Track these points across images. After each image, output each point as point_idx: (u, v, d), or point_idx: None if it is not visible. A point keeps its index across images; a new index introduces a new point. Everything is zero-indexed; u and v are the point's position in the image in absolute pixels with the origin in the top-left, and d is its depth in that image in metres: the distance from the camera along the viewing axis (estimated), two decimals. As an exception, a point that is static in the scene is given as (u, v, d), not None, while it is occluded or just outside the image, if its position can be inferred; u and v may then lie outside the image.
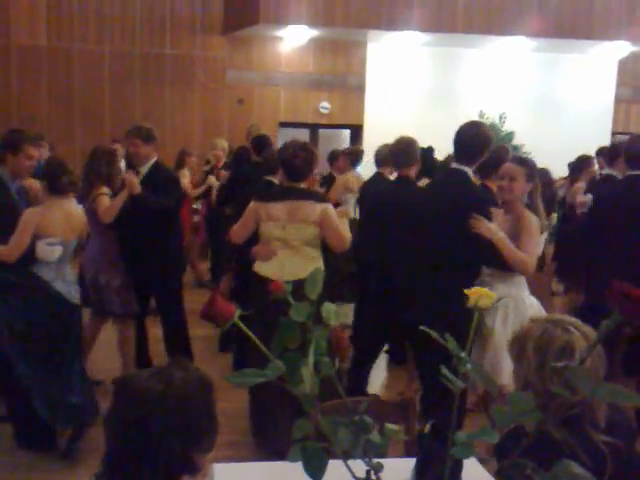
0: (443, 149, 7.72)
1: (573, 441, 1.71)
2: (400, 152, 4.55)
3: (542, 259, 4.82)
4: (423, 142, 8.17)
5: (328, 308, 1.69)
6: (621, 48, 11.33)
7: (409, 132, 10.85)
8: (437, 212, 3.47)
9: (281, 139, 10.64)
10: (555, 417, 1.71)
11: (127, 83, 10.89)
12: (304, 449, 1.47)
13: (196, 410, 1.51)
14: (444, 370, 1.43)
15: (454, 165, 3.61)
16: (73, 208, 3.99)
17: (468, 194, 3.47)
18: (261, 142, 5.64)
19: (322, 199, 3.77)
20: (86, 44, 10.68)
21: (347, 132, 11.81)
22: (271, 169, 4.89)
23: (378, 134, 10.83)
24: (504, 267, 3.40)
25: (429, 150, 5.77)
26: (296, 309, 1.69)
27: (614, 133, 12.05)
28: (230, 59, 11.20)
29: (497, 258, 3.36)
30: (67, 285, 3.83)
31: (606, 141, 11.49)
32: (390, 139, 10.36)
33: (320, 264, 3.67)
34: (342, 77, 11.43)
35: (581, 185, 5.91)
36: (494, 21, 10.59)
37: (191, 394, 1.50)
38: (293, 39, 10.95)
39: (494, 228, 3.36)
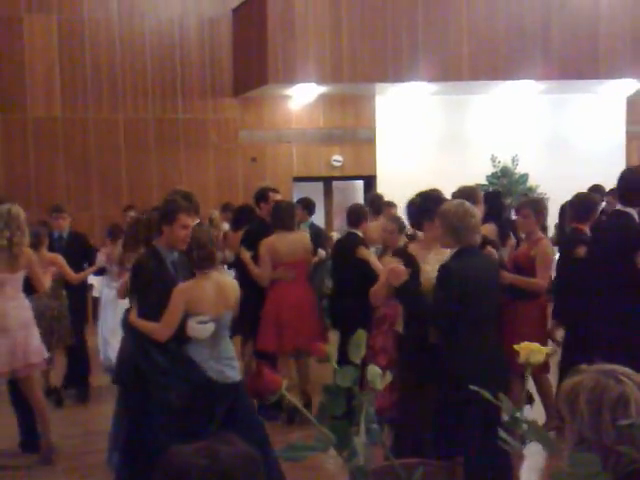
0: (457, 195, 7.78)
1: None
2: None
3: None
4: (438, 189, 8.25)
5: (373, 371, 1.64)
6: (628, 86, 11.39)
7: (422, 180, 10.94)
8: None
9: (296, 194, 10.73)
10: (615, 473, 1.63)
11: (142, 149, 11.08)
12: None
13: None
14: (502, 433, 1.38)
15: (619, 207, 3.98)
16: (224, 279, 3.91)
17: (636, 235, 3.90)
18: (258, 196, 6.04)
19: None
20: (100, 113, 10.92)
21: (361, 183, 11.89)
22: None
23: (391, 183, 10.92)
24: None
25: (497, 194, 6.04)
26: (341, 373, 1.64)
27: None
28: (242, 119, 11.38)
29: None
30: (220, 363, 3.69)
31: (621, 178, 11.47)
32: (403, 188, 10.40)
33: None
34: (352, 130, 11.57)
35: None
36: (499, 67, 10.72)
37: (237, 470, 1.42)
38: (302, 96, 11.14)
39: None
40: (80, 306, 6.58)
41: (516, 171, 11.60)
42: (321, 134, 11.51)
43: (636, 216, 4.03)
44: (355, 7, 10.51)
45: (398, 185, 10.51)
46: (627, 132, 12.04)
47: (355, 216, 5.88)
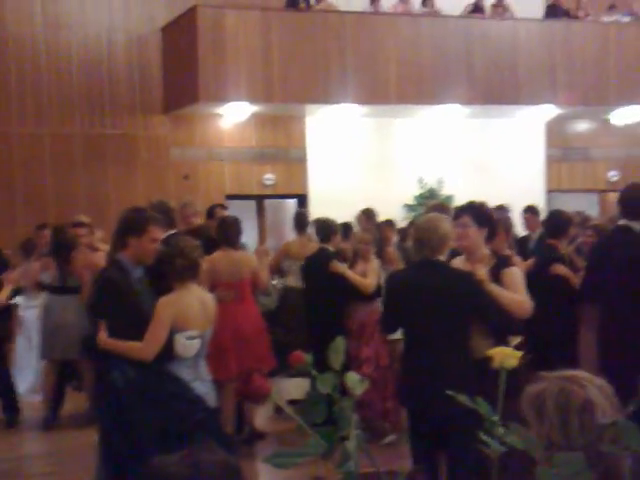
0: (383, 213, 7.96)
1: None
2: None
3: None
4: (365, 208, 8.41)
5: (352, 378, 1.66)
6: (547, 111, 11.99)
7: (351, 199, 11.13)
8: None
9: (229, 212, 10.66)
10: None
11: (69, 165, 10.79)
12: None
13: None
14: (481, 435, 1.41)
15: (622, 222, 3.96)
16: (204, 293, 3.65)
17: None
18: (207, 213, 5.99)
19: None
20: (25, 128, 10.58)
21: (293, 202, 11.96)
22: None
23: (323, 202, 11.06)
24: None
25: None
26: (321, 380, 1.65)
27: (549, 191, 12.60)
28: (173, 137, 11.27)
29: None
30: (204, 385, 3.44)
31: (541, 200, 12.00)
32: (334, 207, 10.60)
33: None
34: (284, 150, 11.65)
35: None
36: (425, 91, 11.08)
37: (219, 478, 1.43)
38: (234, 115, 11.15)
39: None
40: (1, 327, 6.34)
41: (442, 192, 11.95)
42: (253, 153, 11.53)
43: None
44: (286, 28, 10.67)
45: (329, 204, 10.66)
46: (547, 156, 12.65)
47: (325, 231, 5.85)
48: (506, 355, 1.85)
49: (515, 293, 3.65)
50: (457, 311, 3.54)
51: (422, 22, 11.31)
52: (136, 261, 3.51)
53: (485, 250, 3.81)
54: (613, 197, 13.91)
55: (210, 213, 5.95)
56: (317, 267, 5.68)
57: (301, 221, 6.95)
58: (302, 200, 11.75)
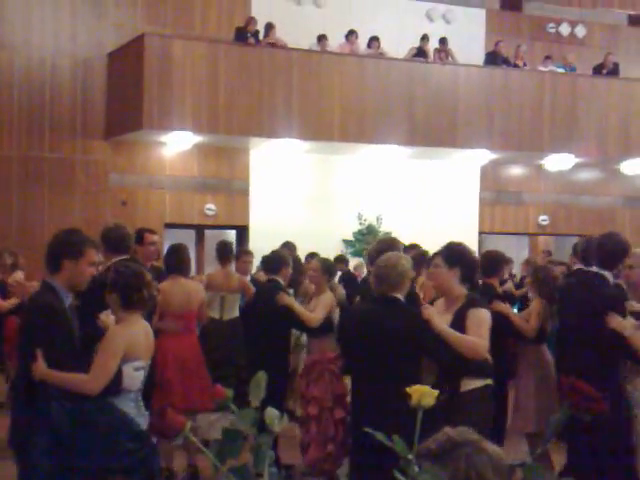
0: (323, 250, 8.08)
1: None
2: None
3: None
4: (306, 242, 8.53)
5: (271, 414, 1.71)
6: (482, 156, 12.39)
7: (291, 233, 11.22)
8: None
9: (168, 240, 10.60)
10: None
11: (3, 187, 10.57)
12: None
13: None
14: (397, 475, 1.48)
15: (594, 269, 4.18)
16: (146, 324, 3.45)
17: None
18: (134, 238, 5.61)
19: None
20: (-40, 147, 10.35)
21: (233, 232, 11.97)
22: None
23: (263, 235, 11.11)
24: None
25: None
26: (241, 416, 1.68)
27: (481, 232, 12.96)
28: (112, 162, 11.18)
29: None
30: (145, 419, 3.22)
31: (474, 240, 12.34)
32: (274, 240, 10.62)
33: None
34: (227, 181, 11.68)
35: None
36: (367, 130, 11.33)
37: None
38: (177, 144, 11.14)
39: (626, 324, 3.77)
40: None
41: (380, 229, 12.17)
42: (195, 182, 11.52)
43: (611, 278, 4.27)
44: (233, 61, 10.79)
45: (269, 236, 10.70)
46: (480, 198, 13.04)
47: (275, 263, 5.59)
48: (423, 394, 1.92)
49: (475, 334, 3.66)
50: (402, 347, 3.63)
51: (367, 63, 11.60)
52: (69, 286, 3.31)
53: (461, 290, 3.83)
54: (542, 240, 14.43)
55: (139, 238, 5.38)
56: (265, 299, 5.45)
57: (225, 251, 6.72)
58: (242, 231, 11.78)
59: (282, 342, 5.43)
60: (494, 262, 5.28)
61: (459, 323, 3.72)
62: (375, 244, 5.20)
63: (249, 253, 7.33)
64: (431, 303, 4.08)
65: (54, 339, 3.17)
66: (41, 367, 3.14)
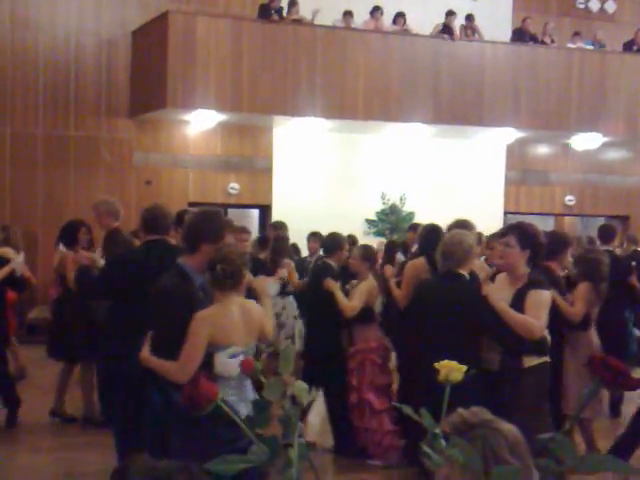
0: (345, 227, 8.04)
1: None
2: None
3: None
4: (329, 222, 8.49)
5: (300, 387, 1.70)
6: (508, 134, 12.23)
7: (315, 212, 11.18)
8: None
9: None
10: None
11: (29, 165, 10.66)
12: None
13: None
14: (425, 448, 1.46)
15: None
16: (248, 302, 3.25)
17: None
18: (175, 220, 5.42)
19: None
20: (-14, 125, 10.43)
21: (256, 212, 11.98)
22: None
23: (286, 213, 11.07)
24: None
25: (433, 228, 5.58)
26: (270, 387, 1.67)
27: (506, 213, 12.84)
28: (137, 141, 11.21)
29: None
30: (249, 409, 2.95)
31: (499, 220, 12.22)
32: (297, 218, 10.61)
33: None
34: (250, 159, 11.67)
35: None
36: (392, 109, 11.22)
37: None
38: (201, 123, 11.13)
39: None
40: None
41: (404, 209, 12.10)
42: (218, 161, 11.53)
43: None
44: (256, 40, 10.71)
45: (292, 215, 10.70)
46: (506, 178, 12.89)
47: (329, 245, 5.46)
48: (451, 369, 1.93)
49: (532, 315, 3.72)
50: (463, 321, 3.85)
51: (392, 40, 11.46)
52: (202, 268, 3.24)
53: (525, 269, 3.87)
54: (569, 221, 14.25)
55: (179, 219, 5.14)
56: (316, 281, 5.35)
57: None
58: (266, 210, 11.78)
59: (331, 323, 5.30)
60: (554, 245, 5.11)
61: (519, 302, 3.79)
62: (449, 225, 5.10)
63: (246, 231, 6.93)
64: (492, 279, 4.10)
65: (170, 325, 3.14)
66: (144, 354, 3.15)
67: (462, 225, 4.80)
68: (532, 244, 3.88)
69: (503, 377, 3.82)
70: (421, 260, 5.08)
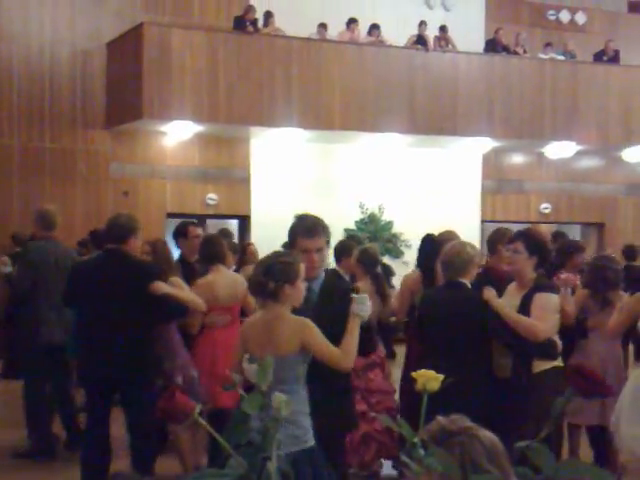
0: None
1: None
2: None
3: None
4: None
5: (279, 399, 1.68)
6: (483, 144, 12.37)
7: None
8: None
9: (169, 230, 10.60)
10: None
11: (4, 177, 10.56)
12: None
13: None
14: (403, 457, 1.46)
15: None
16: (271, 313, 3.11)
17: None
18: (177, 232, 5.47)
19: None
20: (-40, 137, 10.33)
21: (235, 222, 11.96)
22: None
23: (264, 224, 11.11)
24: None
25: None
26: (248, 400, 1.66)
27: (483, 221, 12.96)
28: (113, 152, 11.16)
29: None
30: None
31: (476, 229, 12.33)
32: (276, 229, 10.55)
33: None
34: (227, 170, 11.66)
35: None
36: (368, 119, 11.30)
37: None
38: (177, 133, 11.12)
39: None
40: None
41: (382, 218, 12.17)
42: (196, 172, 11.51)
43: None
44: (232, 51, 10.75)
45: (271, 225, 10.71)
46: (482, 187, 13.02)
47: (335, 253, 5.28)
48: (428, 378, 1.92)
49: (537, 317, 3.76)
50: (469, 330, 3.81)
51: (367, 51, 11.56)
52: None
53: (532, 274, 3.97)
54: (545, 228, 14.40)
55: (183, 232, 5.26)
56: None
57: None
58: (244, 221, 11.77)
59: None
60: (561, 253, 5.20)
61: (526, 306, 3.83)
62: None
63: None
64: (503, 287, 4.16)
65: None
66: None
67: (448, 237, 4.85)
68: (539, 250, 3.98)
69: (514, 383, 3.83)
70: (416, 273, 5.07)
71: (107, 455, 4.32)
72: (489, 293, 3.85)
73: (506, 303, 3.93)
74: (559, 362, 3.92)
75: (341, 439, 3.38)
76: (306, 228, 3.26)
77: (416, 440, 1.58)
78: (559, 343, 3.93)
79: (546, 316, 3.78)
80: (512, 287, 4.05)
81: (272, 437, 1.70)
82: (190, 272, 4.97)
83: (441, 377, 1.95)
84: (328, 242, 3.32)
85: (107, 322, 4.21)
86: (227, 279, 4.84)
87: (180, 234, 5.37)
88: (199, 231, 5.40)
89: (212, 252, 4.87)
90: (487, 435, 1.51)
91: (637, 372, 4.01)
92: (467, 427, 1.51)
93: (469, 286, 3.94)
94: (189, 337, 4.79)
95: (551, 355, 3.86)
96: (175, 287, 4.46)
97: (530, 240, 3.98)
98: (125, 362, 4.19)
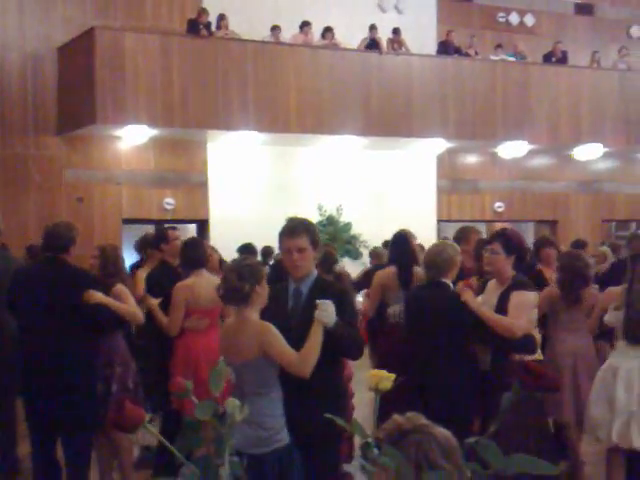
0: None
1: None
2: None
3: None
4: (266, 235, 8.51)
5: (232, 404, 1.68)
6: (438, 145, 12.53)
7: (252, 225, 11.14)
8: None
9: (126, 236, 10.49)
10: None
11: (-47, 185, 10.32)
12: None
13: None
14: (361, 461, 1.49)
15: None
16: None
17: None
18: (157, 237, 5.57)
19: None
20: None
21: (193, 227, 11.89)
22: None
23: (223, 227, 11.07)
24: None
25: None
26: (201, 407, 1.66)
27: (439, 221, 13.12)
28: (67, 158, 10.98)
29: None
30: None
31: (432, 229, 12.48)
32: (235, 232, 10.56)
33: None
34: (184, 174, 11.58)
35: None
36: (324, 121, 11.34)
37: None
38: (132, 138, 10.99)
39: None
40: None
41: (341, 220, 12.23)
42: (152, 176, 11.39)
43: None
44: (186, 54, 10.68)
45: (230, 229, 10.69)
46: (437, 187, 13.19)
47: (320, 263, 5.17)
48: (381, 378, 1.95)
49: (513, 315, 3.90)
50: (449, 327, 3.97)
51: (321, 54, 11.61)
52: None
53: (511, 273, 4.13)
54: (499, 227, 14.65)
55: (163, 237, 5.33)
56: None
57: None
58: (203, 225, 11.70)
59: None
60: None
61: (503, 304, 3.98)
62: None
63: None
64: (484, 284, 4.32)
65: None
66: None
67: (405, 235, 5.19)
68: (517, 249, 4.16)
69: (494, 376, 3.96)
70: (389, 269, 5.13)
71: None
72: (466, 294, 3.98)
73: (486, 299, 4.12)
74: (539, 355, 4.09)
75: (337, 442, 3.39)
76: (288, 228, 3.32)
77: (370, 440, 1.60)
78: (538, 337, 4.11)
79: (521, 314, 3.93)
80: (492, 284, 4.22)
81: (225, 443, 1.70)
82: (174, 276, 4.98)
83: (393, 376, 1.97)
84: (315, 244, 3.32)
85: (41, 333, 4.08)
86: (208, 282, 4.79)
87: (161, 239, 5.40)
88: (177, 234, 5.44)
89: (193, 256, 4.86)
90: (442, 432, 1.52)
91: (610, 360, 4.18)
92: (422, 424, 1.53)
93: (451, 286, 4.10)
94: (168, 340, 4.76)
95: (529, 350, 4.02)
96: (118, 296, 4.38)
97: (507, 240, 4.15)
98: (63, 402, 4.03)
